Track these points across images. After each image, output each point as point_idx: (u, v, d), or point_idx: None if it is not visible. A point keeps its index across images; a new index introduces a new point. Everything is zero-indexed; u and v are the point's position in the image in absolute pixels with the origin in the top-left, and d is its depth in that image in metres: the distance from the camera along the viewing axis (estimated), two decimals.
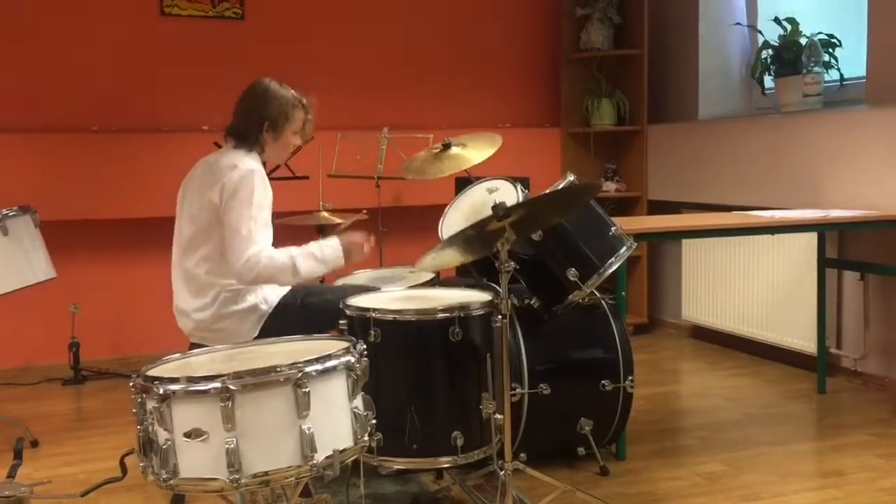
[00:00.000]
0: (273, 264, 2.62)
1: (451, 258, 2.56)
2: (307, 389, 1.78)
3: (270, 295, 2.79)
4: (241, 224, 2.63)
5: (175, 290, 2.83)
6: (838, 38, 4.26)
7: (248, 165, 2.72)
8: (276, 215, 2.94)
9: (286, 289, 2.84)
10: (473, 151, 3.40)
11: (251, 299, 2.75)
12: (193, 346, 2.74)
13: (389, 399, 2.49)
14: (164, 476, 1.77)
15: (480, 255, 2.54)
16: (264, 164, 2.90)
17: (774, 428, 3.50)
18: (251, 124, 2.81)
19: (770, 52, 4.51)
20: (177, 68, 4.79)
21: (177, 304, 2.83)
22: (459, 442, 2.51)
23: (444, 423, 2.52)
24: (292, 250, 2.67)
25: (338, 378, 1.87)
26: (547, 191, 2.81)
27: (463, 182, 3.24)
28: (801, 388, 4.04)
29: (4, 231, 3.32)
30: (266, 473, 1.76)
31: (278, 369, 1.77)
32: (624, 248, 2.79)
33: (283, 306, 2.79)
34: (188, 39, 4.81)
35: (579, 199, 2.62)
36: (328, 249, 2.74)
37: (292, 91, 2.87)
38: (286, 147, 2.90)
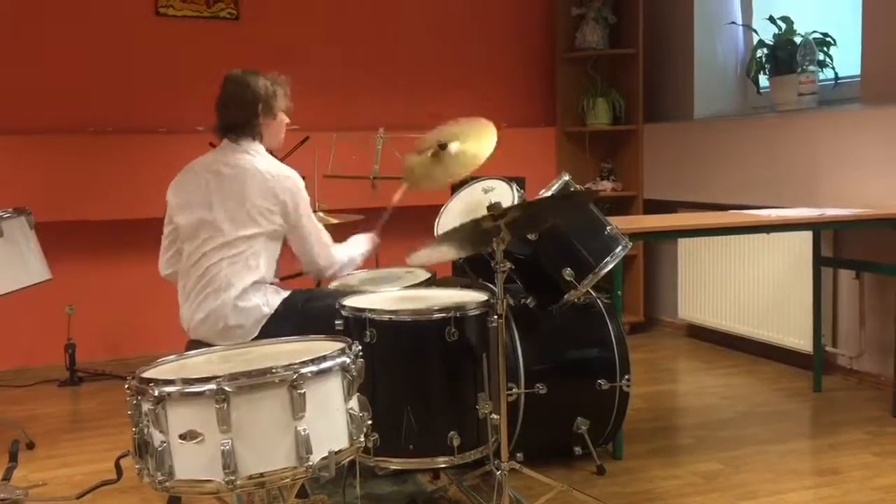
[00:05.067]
0: (347, 262, 2.98)
1: (447, 252, 2.56)
2: (302, 391, 1.77)
3: (273, 298, 2.79)
4: (312, 233, 2.85)
5: (183, 286, 2.84)
6: (833, 36, 4.26)
7: (290, 171, 2.83)
8: None
9: (287, 292, 2.85)
10: (473, 145, 3.23)
11: (255, 300, 2.74)
12: (190, 346, 2.74)
13: (386, 399, 2.49)
14: (159, 478, 1.76)
15: (476, 251, 2.54)
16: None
17: (771, 426, 3.50)
18: (246, 114, 2.81)
19: (765, 50, 4.52)
20: (172, 69, 4.78)
21: (182, 297, 2.83)
22: (456, 442, 2.51)
23: (440, 423, 2.52)
24: (347, 248, 3.01)
25: (333, 379, 1.87)
26: (541, 193, 2.81)
27: (459, 182, 3.22)
28: (797, 386, 4.05)
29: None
30: (261, 475, 1.76)
31: (273, 370, 1.77)
32: (619, 248, 2.79)
33: (283, 309, 2.78)
34: (183, 40, 4.81)
35: (575, 206, 2.62)
36: (362, 240, 3.10)
37: (264, 74, 2.91)
38: (281, 128, 2.94)
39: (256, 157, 2.81)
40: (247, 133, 2.82)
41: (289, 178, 2.80)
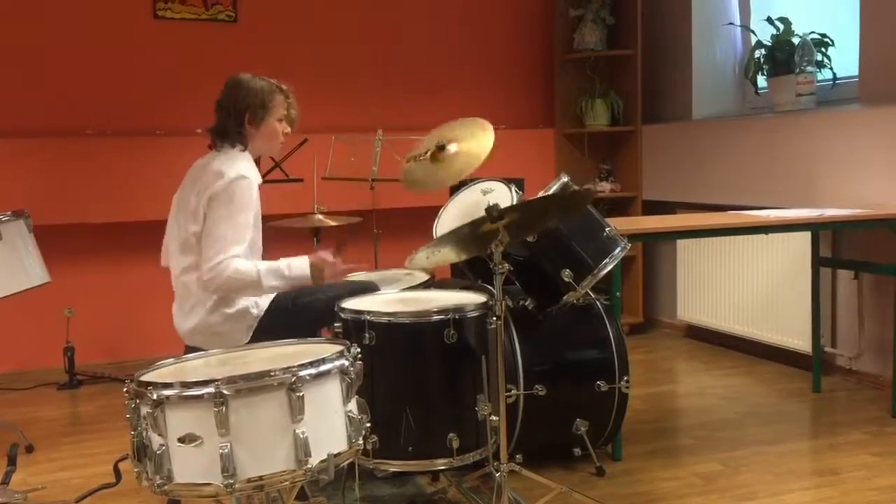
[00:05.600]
0: (238, 275, 2.60)
1: (445, 256, 2.56)
2: (301, 393, 1.77)
3: (261, 299, 2.78)
4: (216, 231, 2.62)
5: (175, 292, 2.83)
6: (831, 37, 4.26)
7: (235, 171, 2.68)
8: (270, 218, 2.93)
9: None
10: (472, 144, 3.14)
11: (242, 303, 2.73)
12: (188, 349, 2.74)
13: (385, 402, 2.48)
14: (158, 481, 1.76)
15: (474, 254, 2.54)
16: (257, 161, 2.89)
17: (770, 427, 3.50)
18: (231, 119, 2.79)
19: (763, 51, 4.52)
20: (170, 71, 4.78)
21: (174, 307, 2.83)
22: (455, 444, 2.51)
23: (439, 425, 2.52)
24: (259, 264, 2.67)
25: (332, 382, 1.86)
26: (540, 194, 2.81)
27: (458, 183, 3.23)
28: (796, 387, 4.05)
29: None
30: (260, 478, 1.76)
31: (272, 374, 1.77)
32: (618, 249, 2.79)
33: (274, 309, 2.77)
34: (181, 42, 4.81)
35: (573, 207, 2.61)
36: (296, 268, 2.70)
37: (268, 79, 2.86)
38: (273, 136, 2.86)
39: (220, 156, 2.76)
40: (229, 139, 2.80)
41: (224, 177, 2.65)
